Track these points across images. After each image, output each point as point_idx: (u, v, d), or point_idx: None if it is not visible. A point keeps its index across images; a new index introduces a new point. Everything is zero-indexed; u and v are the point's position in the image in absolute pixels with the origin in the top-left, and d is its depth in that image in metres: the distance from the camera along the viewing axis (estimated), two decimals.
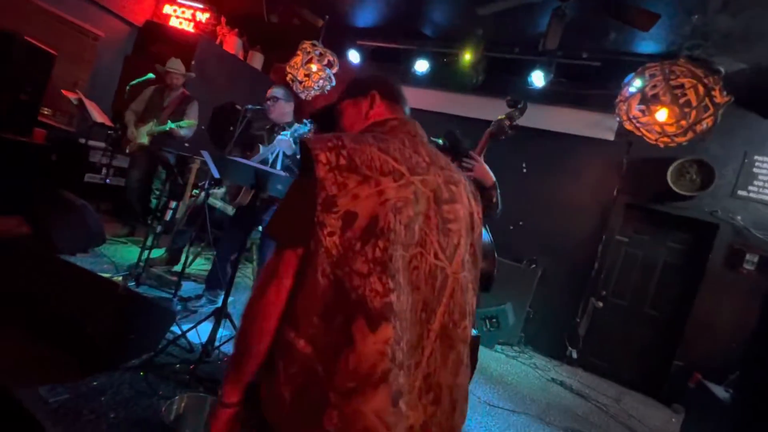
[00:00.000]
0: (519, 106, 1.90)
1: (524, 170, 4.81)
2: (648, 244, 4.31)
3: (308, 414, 0.68)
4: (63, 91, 3.74)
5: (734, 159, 3.92)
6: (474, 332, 2.21)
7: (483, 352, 3.95)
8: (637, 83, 2.98)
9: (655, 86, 2.90)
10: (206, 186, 2.68)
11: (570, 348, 4.31)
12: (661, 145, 3.00)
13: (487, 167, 1.89)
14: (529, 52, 4.36)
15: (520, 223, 4.79)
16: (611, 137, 4.35)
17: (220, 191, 3.13)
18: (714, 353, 3.69)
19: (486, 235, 2.17)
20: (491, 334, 4.10)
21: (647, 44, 3.84)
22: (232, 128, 3.35)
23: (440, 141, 1.90)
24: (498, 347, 4.17)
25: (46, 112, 4.03)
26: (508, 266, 4.55)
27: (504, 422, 2.41)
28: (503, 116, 1.89)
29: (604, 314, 4.32)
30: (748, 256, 3.71)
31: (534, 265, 4.55)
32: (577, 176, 4.58)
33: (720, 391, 1.60)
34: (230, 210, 3.05)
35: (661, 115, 2.90)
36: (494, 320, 4.09)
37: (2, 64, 3.09)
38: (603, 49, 4.10)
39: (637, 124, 3.03)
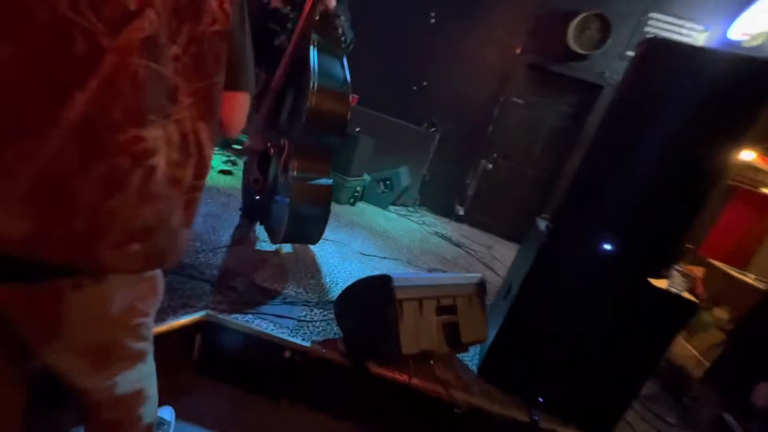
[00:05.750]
0: None
1: (432, 20, 4.32)
2: (541, 106, 4.38)
3: None
4: None
5: (633, 16, 3.82)
6: (328, 181, 2.11)
7: (376, 211, 4.06)
8: None
9: None
10: None
11: (458, 206, 4.62)
12: None
13: None
14: None
15: (424, 83, 4.51)
16: None
17: None
18: None
19: (340, 72, 1.89)
20: (385, 195, 4.16)
21: None
22: None
23: None
24: (392, 208, 4.32)
25: None
26: (408, 130, 4.42)
27: (371, 267, 2.54)
28: None
29: (493, 175, 4.58)
30: None
31: (434, 128, 4.48)
32: (485, 29, 4.24)
33: (542, 223, 1.70)
34: None
35: None
36: (388, 182, 4.12)
37: None
38: None
39: None
